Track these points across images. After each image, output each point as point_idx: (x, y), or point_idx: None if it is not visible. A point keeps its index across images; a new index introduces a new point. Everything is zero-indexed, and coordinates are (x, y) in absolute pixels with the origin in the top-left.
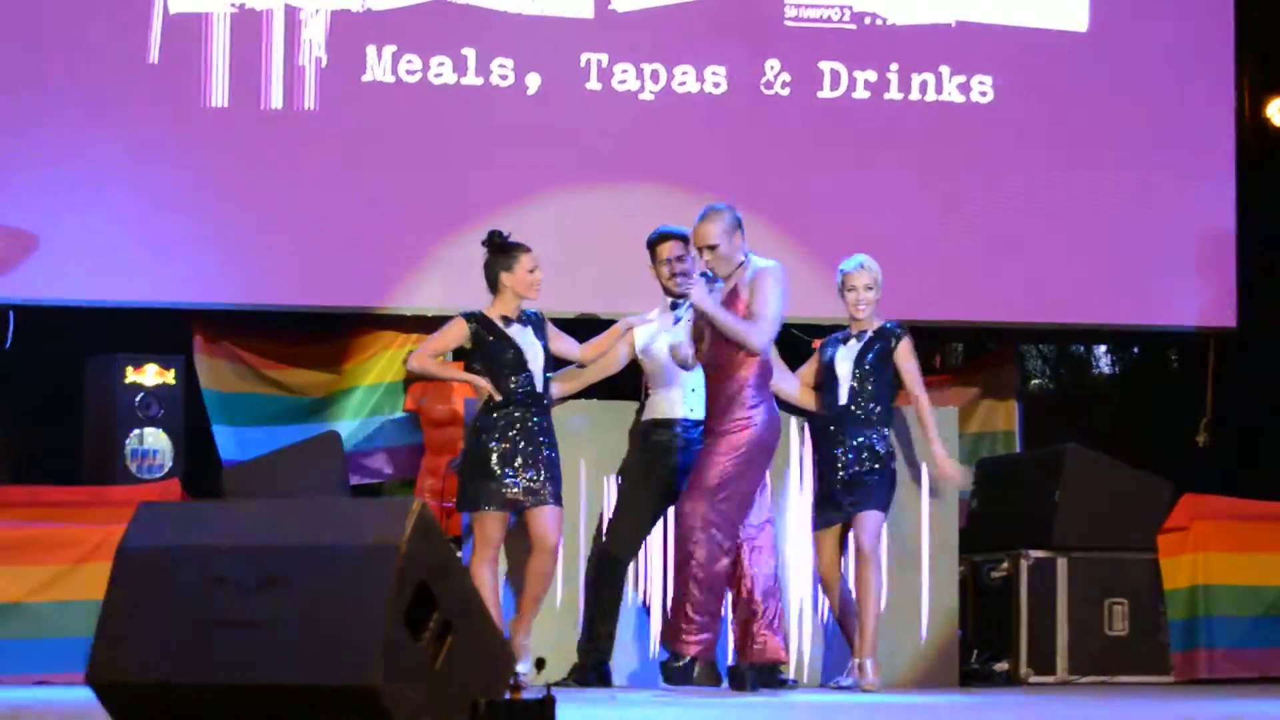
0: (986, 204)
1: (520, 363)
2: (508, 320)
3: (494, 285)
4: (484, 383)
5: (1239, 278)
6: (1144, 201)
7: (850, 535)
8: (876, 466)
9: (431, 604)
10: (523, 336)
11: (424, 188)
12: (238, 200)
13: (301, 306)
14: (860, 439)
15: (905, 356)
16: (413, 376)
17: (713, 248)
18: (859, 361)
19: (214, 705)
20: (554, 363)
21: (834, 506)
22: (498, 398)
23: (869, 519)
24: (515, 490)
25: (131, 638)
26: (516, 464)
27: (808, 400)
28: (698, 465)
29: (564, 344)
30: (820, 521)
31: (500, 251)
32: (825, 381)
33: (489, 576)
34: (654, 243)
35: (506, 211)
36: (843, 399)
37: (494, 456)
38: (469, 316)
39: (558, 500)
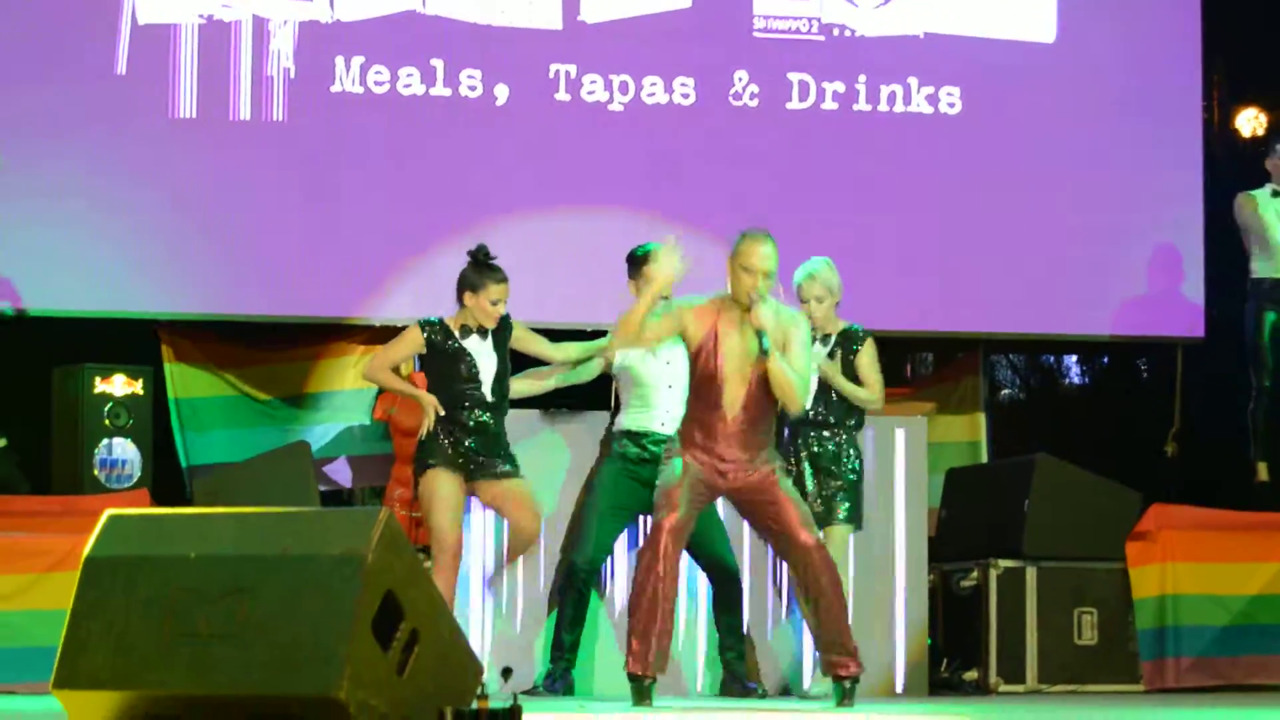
0: (956, 215)
1: (472, 374)
2: (466, 330)
3: (460, 297)
4: (430, 400)
5: (1207, 288)
6: (1113, 211)
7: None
8: (848, 476)
9: (399, 613)
10: (480, 348)
11: (393, 198)
12: (206, 210)
13: (270, 316)
14: (828, 445)
15: (868, 365)
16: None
17: (769, 275)
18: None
19: (180, 715)
20: (524, 364)
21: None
22: (441, 412)
23: (836, 534)
24: (467, 456)
25: (97, 647)
26: (465, 446)
27: None
28: (782, 499)
29: (536, 345)
30: None
31: (476, 270)
32: None
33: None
34: (644, 259)
35: (475, 221)
36: (806, 403)
37: (444, 442)
38: (425, 324)
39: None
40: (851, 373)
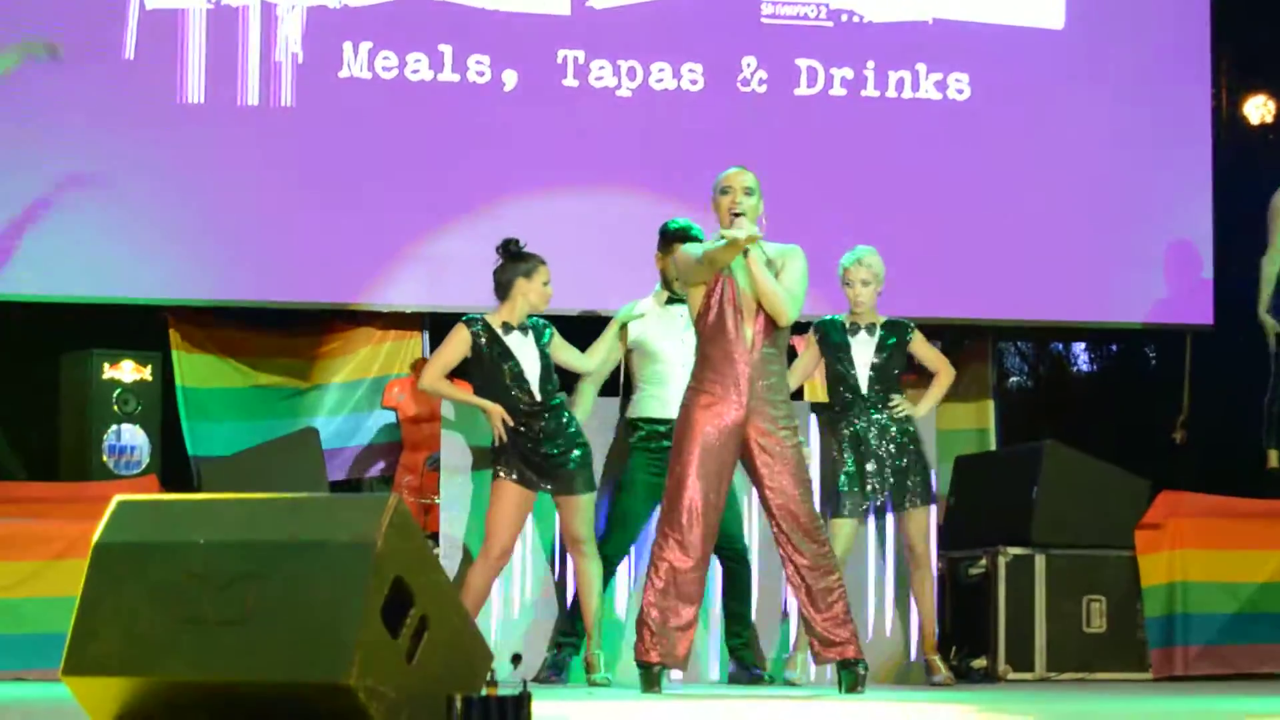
0: (964, 202)
1: (518, 374)
2: (508, 328)
3: (505, 291)
4: (498, 410)
5: (1216, 275)
6: (1121, 199)
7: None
8: (911, 451)
9: (408, 600)
10: (521, 345)
11: (400, 184)
12: (214, 196)
13: (278, 302)
14: (884, 426)
15: (922, 344)
16: (405, 375)
17: (750, 191)
18: (878, 353)
19: (189, 701)
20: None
21: (862, 494)
22: (510, 421)
23: (917, 517)
24: (538, 468)
25: (107, 633)
26: (539, 454)
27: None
28: (778, 460)
29: (569, 355)
30: (841, 508)
31: (519, 259)
32: (834, 368)
33: (481, 579)
34: (675, 235)
35: (482, 207)
36: (863, 388)
37: (514, 454)
38: (470, 321)
39: (589, 488)
40: (902, 358)
